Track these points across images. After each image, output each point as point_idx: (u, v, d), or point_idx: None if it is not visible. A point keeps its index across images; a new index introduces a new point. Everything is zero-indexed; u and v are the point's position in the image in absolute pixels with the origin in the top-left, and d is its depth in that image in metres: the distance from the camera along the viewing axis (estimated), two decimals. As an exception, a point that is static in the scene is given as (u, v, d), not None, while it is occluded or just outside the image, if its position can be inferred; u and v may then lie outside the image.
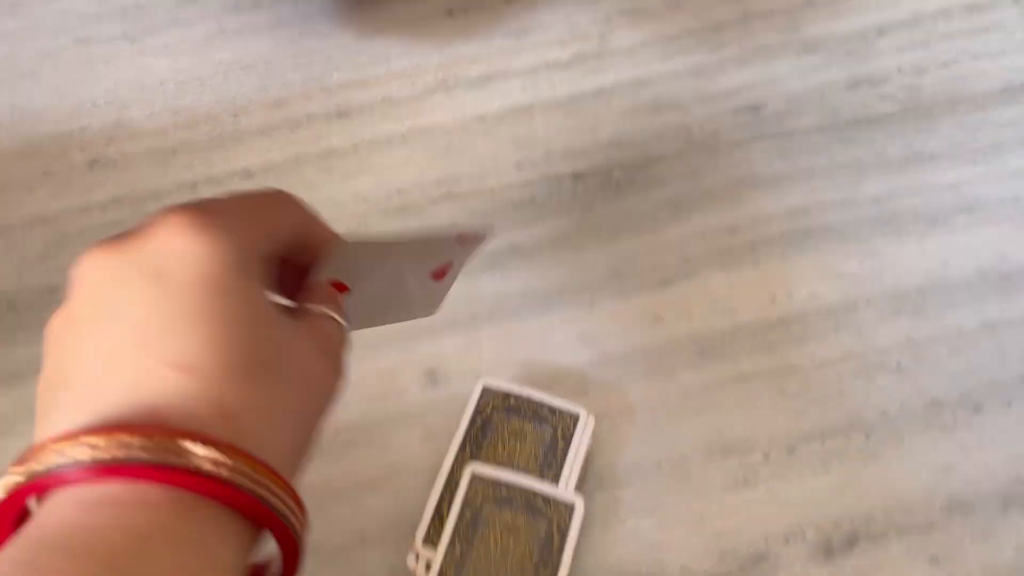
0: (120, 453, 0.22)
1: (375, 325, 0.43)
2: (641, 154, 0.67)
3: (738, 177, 0.65)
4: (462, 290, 0.61)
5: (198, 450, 0.23)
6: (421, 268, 0.45)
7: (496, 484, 0.50)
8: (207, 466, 0.23)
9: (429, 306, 0.48)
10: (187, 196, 0.66)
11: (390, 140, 0.69)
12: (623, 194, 0.65)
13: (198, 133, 0.70)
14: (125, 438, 0.22)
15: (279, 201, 0.33)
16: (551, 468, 0.51)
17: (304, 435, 0.28)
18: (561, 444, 0.52)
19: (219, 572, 0.23)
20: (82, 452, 0.23)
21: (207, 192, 0.67)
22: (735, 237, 0.62)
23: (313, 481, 0.36)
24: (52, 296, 0.62)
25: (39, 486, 0.23)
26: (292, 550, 0.26)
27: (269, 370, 0.26)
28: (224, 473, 0.23)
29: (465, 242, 0.47)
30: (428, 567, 0.48)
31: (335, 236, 0.35)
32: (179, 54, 0.75)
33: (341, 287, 0.36)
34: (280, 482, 0.24)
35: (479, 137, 0.69)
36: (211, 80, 0.73)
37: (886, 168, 0.65)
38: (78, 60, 0.75)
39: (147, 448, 0.22)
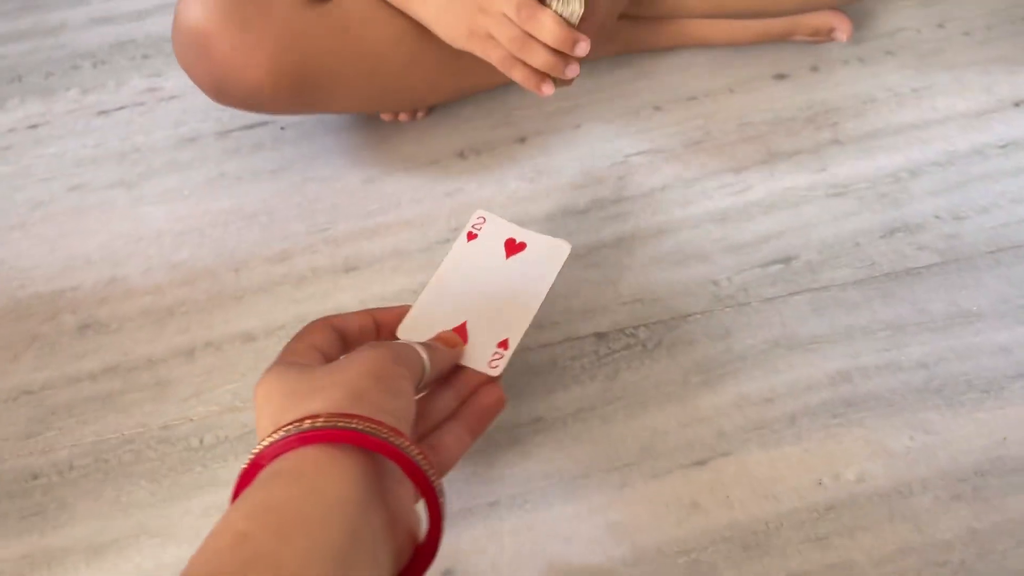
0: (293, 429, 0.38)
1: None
2: (667, 311, 0.63)
3: (773, 338, 0.61)
4: (480, 471, 0.56)
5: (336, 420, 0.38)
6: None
7: None
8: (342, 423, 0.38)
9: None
10: (183, 364, 0.62)
11: (400, 297, 0.65)
12: (650, 357, 0.61)
13: (196, 291, 0.66)
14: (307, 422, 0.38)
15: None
16: None
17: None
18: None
19: (343, 482, 0.37)
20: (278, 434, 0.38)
21: (205, 359, 0.62)
22: (773, 408, 0.58)
23: None
24: (35, 483, 0.57)
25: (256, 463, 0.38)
26: (423, 484, 0.39)
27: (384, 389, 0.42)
28: (354, 424, 0.38)
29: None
30: None
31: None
32: (177, 201, 0.72)
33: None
34: (397, 433, 0.39)
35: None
36: (211, 231, 0.69)
37: (930, 328, 0.61)
38: (71, 210, 0.72)
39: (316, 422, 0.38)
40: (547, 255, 0.57)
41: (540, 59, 0.57)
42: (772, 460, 0.56)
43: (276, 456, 0.38)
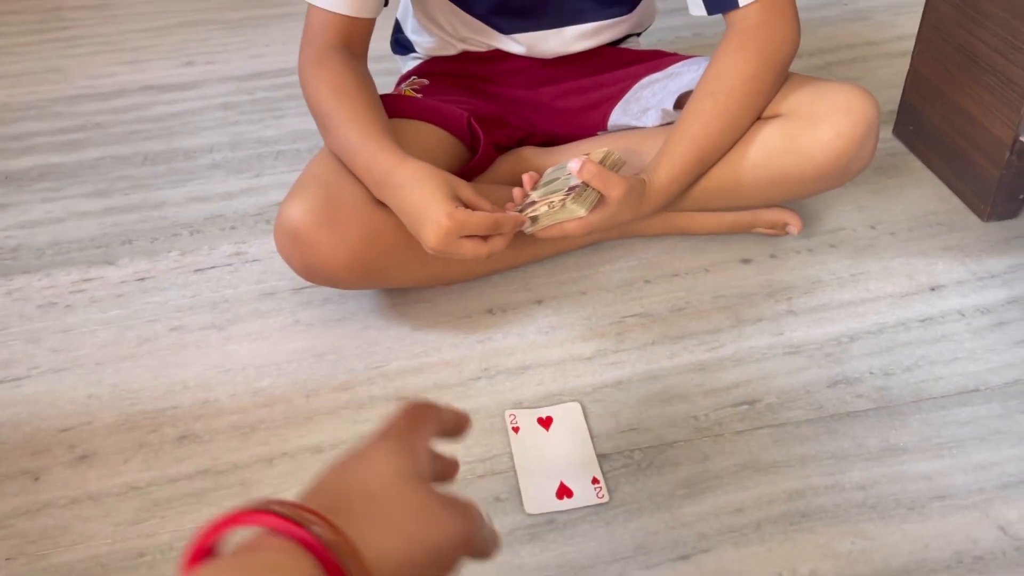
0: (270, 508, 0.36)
1: None
2: (657, 439, 0.78)
3: (742, 462, 0.76)
4: (503, 558, 0.69)
5: (315, 523, 0.36)
6: None
7: None
8: (315, 529, 0.35)
9: None
10: (264, 471, 0.76)
11: (440, 422, 0.80)
12: (644, 474, 0.75)
13: (274, 412, 0.81)
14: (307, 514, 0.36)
15: (421, 413, 0.49)
16: None
17: (414, 551, 0.39)
18: None
19: None
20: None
21: (282, 465, 0.77)
22: (743, 516, 0.72)
23: None
24: (141, 560, 0.70)
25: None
26: None
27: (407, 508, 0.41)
28: (316, 530, 0.35)
29: None
30: None
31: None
32: (259, 341, 0.88)
33: None
34: (355, 554, 0.36)
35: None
36: (287, 366, 0.86)
37: (867, 458, 0.76)
38: (172, 345, 0.88)
39: (287, 514, 0.36)
40: (570, 415, 0.79)
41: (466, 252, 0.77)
42: (742, 557, 0.69)
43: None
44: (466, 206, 0.77)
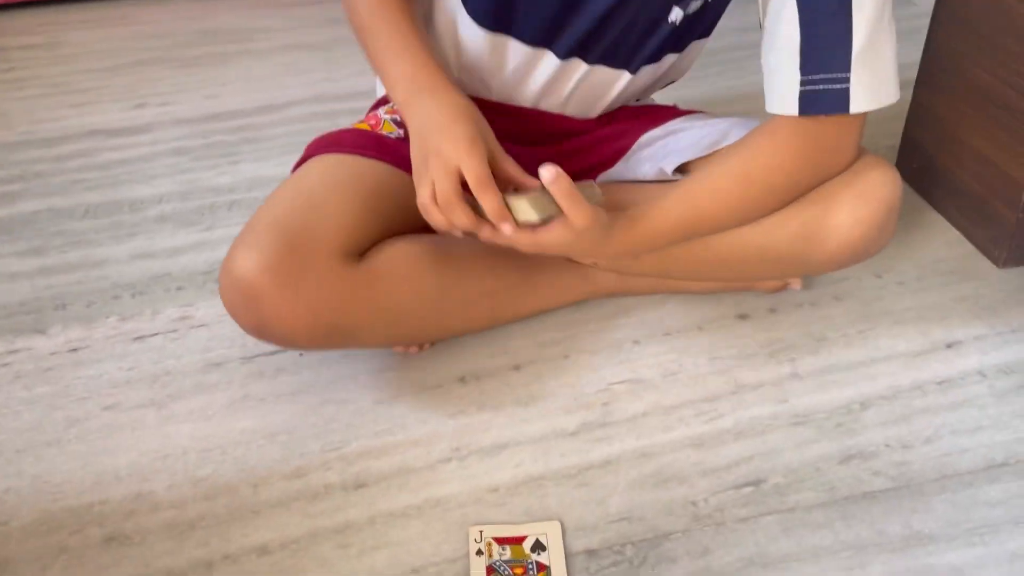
0: None
1: None
2: (650, 530, 0.69)
3: (748, 556, 0.67)
4: None
5: None
6: None
7: None
8: None
9: None
10: (202, 577, 0.67)
11: (406, 513, 0.71)
12: (636, 573, 0.66)
13: (217, 505, 0.72)
14: None
15: None
16: None
17: None
18: None
19: None
20: None
21: (223, 571, 0.67)
22: (751, 624, 0.63)
23: None
24: None
25: None
26: None
27: None
28: None
29: None
30: None
31: None
32: (203, 420, 0.79)
33: None
34: None
35: (492, 509, 0.71)
36: (233, 449, 0.76)
37: (889, 549, 0.67)
38: (104, 427, 0.78)
39: None
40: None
41: (460, 222, 0.67)
42: (752, 675, 0.60)
43: None
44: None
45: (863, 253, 0.77)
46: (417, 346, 0.83)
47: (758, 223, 0.76)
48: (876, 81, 0.69)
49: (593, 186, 0.71)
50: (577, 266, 0.84)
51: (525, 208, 0.67)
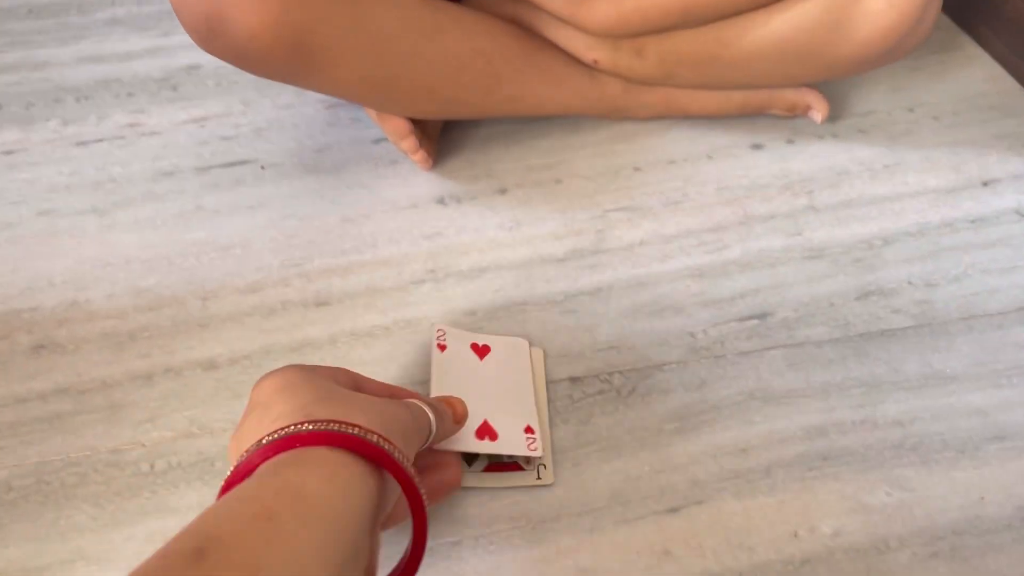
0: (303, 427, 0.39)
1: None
2: (642, 359, 0.62)
3: (748, 390, 0.60)
4: (444, 511, 0.54)
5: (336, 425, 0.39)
6: None
7: None
8: (350, 430, 0.39)
9: None
10: (140, 388, 0.60)
11: (372, 333, 0.64)
12: (624, 403, 0.60)
13: (161, 317, 0.64)
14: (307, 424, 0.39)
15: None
16: None
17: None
18: None
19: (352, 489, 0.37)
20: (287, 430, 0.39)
21: (163, 384, 0.60)
22: (748, 459, 0.57)
23: None
24: (-32, 503, 0.54)
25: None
26: (409, 487, 0.40)
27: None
28: (356, 431, 0.39)
29: None
30: None
31: None
32: (149, 230, 0.70)
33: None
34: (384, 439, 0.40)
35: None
36: (181, 260, 0.68)
37: (905, 387, 0.60)
38: (39, 233, 0.70)
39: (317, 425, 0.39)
40: (514, 351, 0.61)
41: None
42: (747, 510, 0.54)
43: (286, 449, 0.38)
44: None
45: (897, 47, 0.66)
46: (423, 150, 0.73)
47: (777, 9, 0.66)
48: None
49: None
50: (582, 65, 0.74)
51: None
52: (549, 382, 0.61)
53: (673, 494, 0.55)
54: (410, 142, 0.72)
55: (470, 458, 0.56)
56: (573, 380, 0.61)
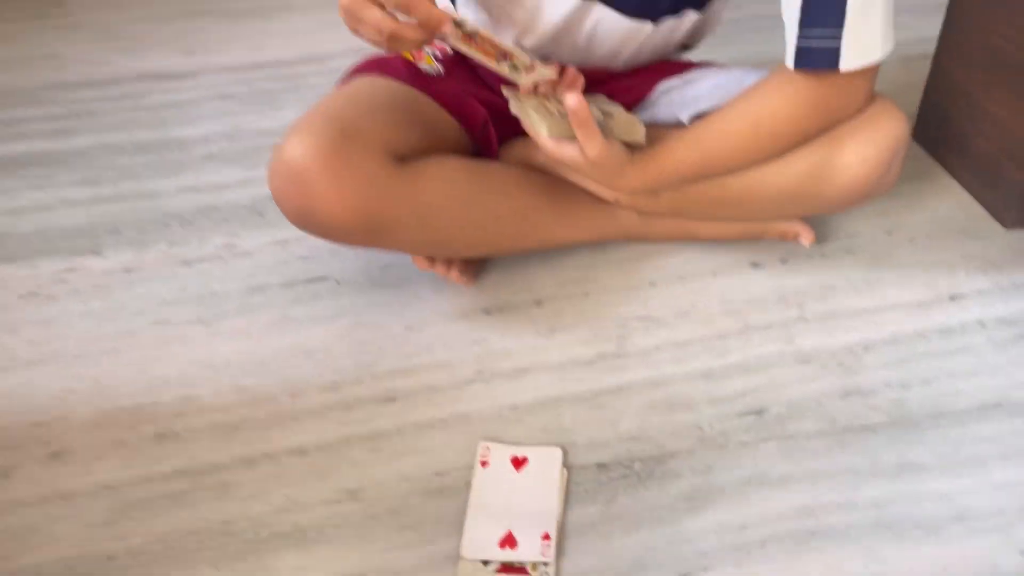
0: None
1: None
2: (658, 448, 0.74)
3: (747, 476, 0.72)
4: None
5: None
6: None
7: None
8: None
9: None
10: (244, 472, 0.73)
11: (432, 425, 0.76)
12: (643, 486, 0.71)
13: (258, 411, 0.78)
14: None
15: None
16: None
17: None
18: None
19: None
20: None
21: (265, 468, 0.73)
22: (747, 534, 0.68)
23: None
24: (111, 563, 0.66)
25: None
26: None
27: None
28: None
29: None
30: None
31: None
32: (246, 338, 0.85)
33: None
34: None
35: (512, 425, 0.76)
36: (273, 363, 0.82)
37: (882, 475, 0.72)
38: (155, 340, 0.84)
39: None
40: (547, 460, 0.73)
41: (370, 17, 0.66)
42: (746, 577, 0.65)
43: None
44: None
45: (872, 190, 0.81)
46: (443, 266, 0.87)
47: (769, 164, 0.81)
48: (869, 38, 0.72)
49: (625, 114, 0.78)
50: (603, 202, 0.89)
51: (541, 125, 0.74)
52: (580, 466, 0.73)
53: (684, 563, 0.66)
54: (436, 270, 0.87)
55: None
56: (600, 466, 0.73)
